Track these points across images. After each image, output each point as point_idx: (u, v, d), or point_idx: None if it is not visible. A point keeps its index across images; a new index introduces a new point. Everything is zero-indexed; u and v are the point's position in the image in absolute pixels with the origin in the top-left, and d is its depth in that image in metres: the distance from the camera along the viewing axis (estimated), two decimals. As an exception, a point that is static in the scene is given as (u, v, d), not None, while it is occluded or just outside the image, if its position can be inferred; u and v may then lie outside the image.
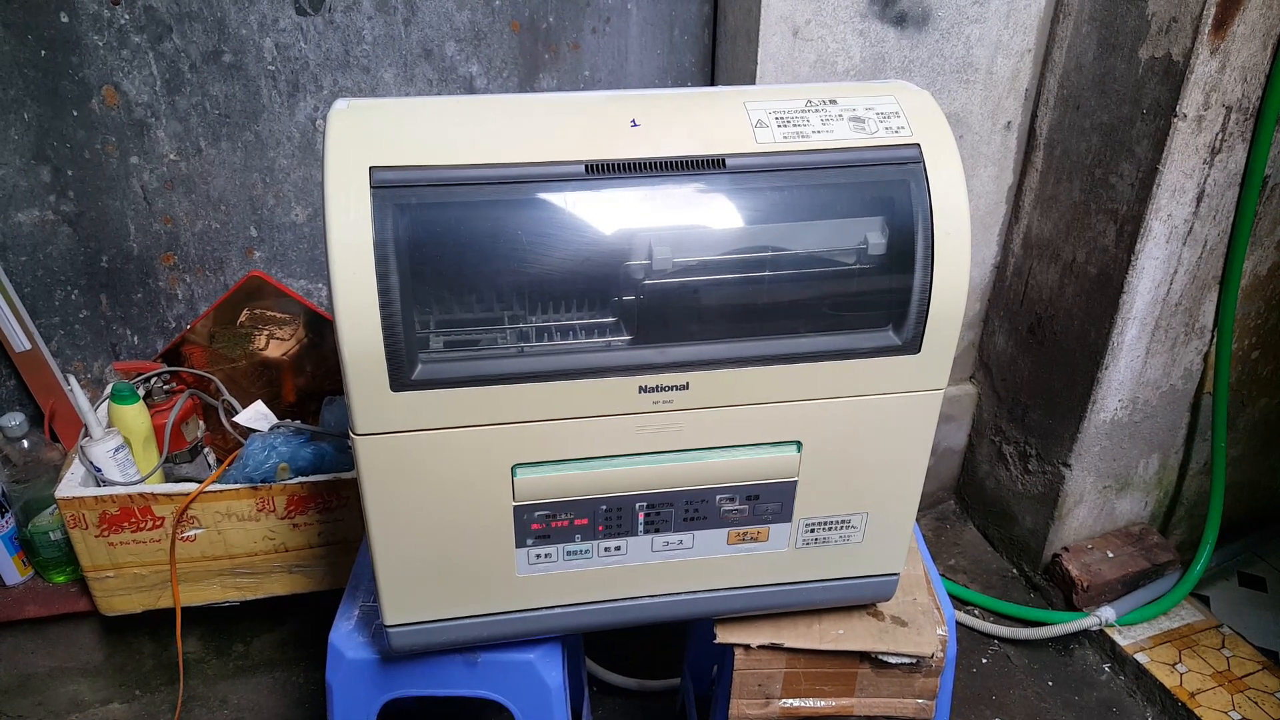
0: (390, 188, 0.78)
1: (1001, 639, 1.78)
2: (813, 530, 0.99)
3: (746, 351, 0.87)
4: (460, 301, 0.84)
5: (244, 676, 1.65)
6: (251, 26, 1.40)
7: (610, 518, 0.94)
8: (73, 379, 1.37)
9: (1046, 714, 1.63)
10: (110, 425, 1.39)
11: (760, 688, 1.06)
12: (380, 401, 0.81)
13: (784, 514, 0.97)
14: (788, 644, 1.04)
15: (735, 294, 0.87)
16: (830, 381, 0.90)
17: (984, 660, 1.74)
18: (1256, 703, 1.59)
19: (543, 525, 0.92)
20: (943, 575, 1.92)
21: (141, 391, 1.42)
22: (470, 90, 1.56)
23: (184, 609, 1.44)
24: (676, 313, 0.86)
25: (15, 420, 1.41)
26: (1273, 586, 1.92)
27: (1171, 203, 1.48)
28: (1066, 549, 1.82)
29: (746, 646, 1.04)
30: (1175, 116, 1.41)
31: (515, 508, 0.91)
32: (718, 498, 0.95)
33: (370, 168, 0.78)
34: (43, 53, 1.34)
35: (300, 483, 1.38)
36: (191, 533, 1.38)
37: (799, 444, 0.93)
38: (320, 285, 1.64)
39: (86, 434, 1.35)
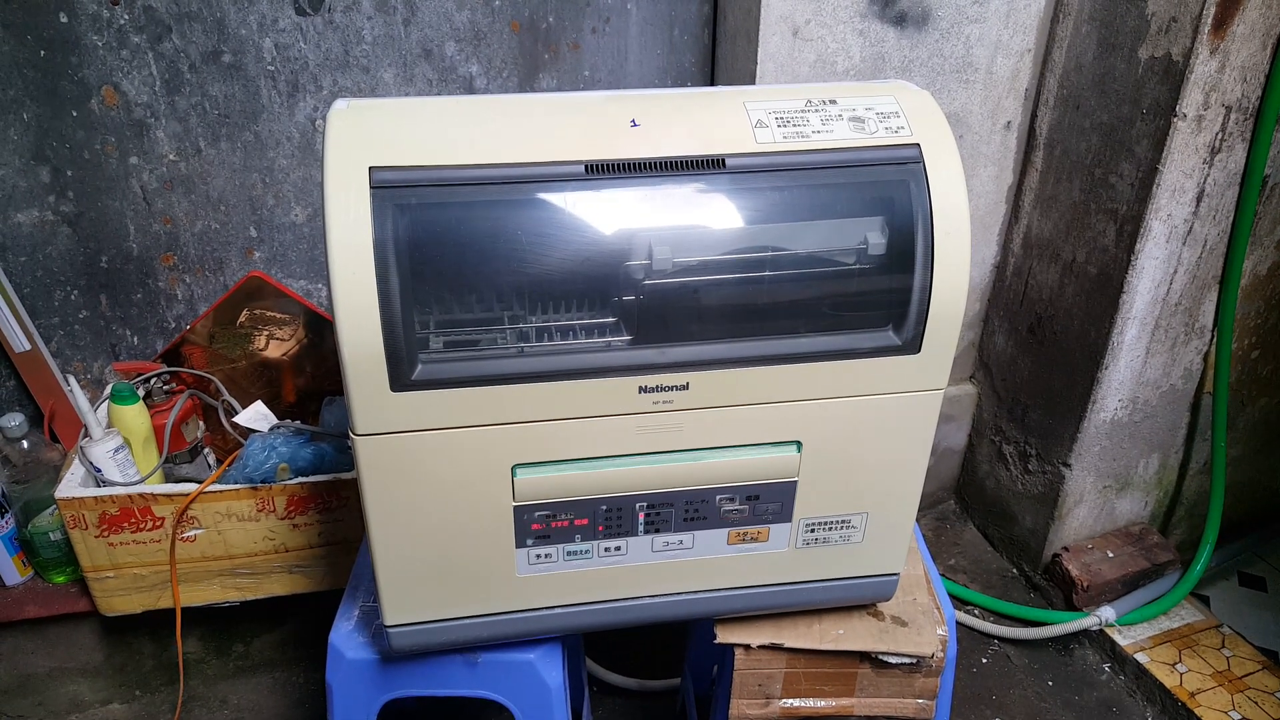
0: (390, 188, 0.78)
1: (1001, 639, 1.78)
2: (813, 530, 0.99)
3: (747, 351, 0.87)
4: (460, 302, 0.84)
5: (244, 677, 1.65)
6: (251, 26, 1.40)
7: (610, 518, 0.94)
8: (72, 379, 1.37)
9: (1046, 714, 1.63)
10: (110, 426, 1.38)
11: (760, 688, 1.06)
12: (380, 402, 0.81)
13: (784, 514, 0.97)
14: (788, 644, 1.04)
15: (735, 294, 0.87)
16: (830, 381, 0.90)
17: (984, 660, 1.74)
18: (1256, 703, 1.59)
19: (543, 525, 0.92)
20: (943, 575, 1.92)
21: (141, 392, 1.42)
22: (470, 90, 1.56)
23: (184, 609, 1.44)
24: (676, 313, 0.86)
25: (15, 421, 1.41)
26: (1273, 586, 1.92)
27: (1171, 202, 1.48)
28: (1066, 549, 1.82)
29: (747, 646, 1.04)
30: (1175, 116, 1.41)
31: (515, 508, 0.91)
32: (718, 498, 0.95)
33: (370, 168, 0.78)
34: (42, 53, 1.34)
35: (300, 483, 1.38)
36: (191, 533, 1.38)
37: (799, 444, 0.93)
38: (320, 285, 1.64)
39: (86, 434, 1.35)
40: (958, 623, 1.72)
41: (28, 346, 1.46)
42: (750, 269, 0.86)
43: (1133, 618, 1.74)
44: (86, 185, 1.44)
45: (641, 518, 0.95)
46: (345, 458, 1.40)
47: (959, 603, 1.85)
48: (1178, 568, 1.80)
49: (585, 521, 0.93)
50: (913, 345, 0.89)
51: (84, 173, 1.43)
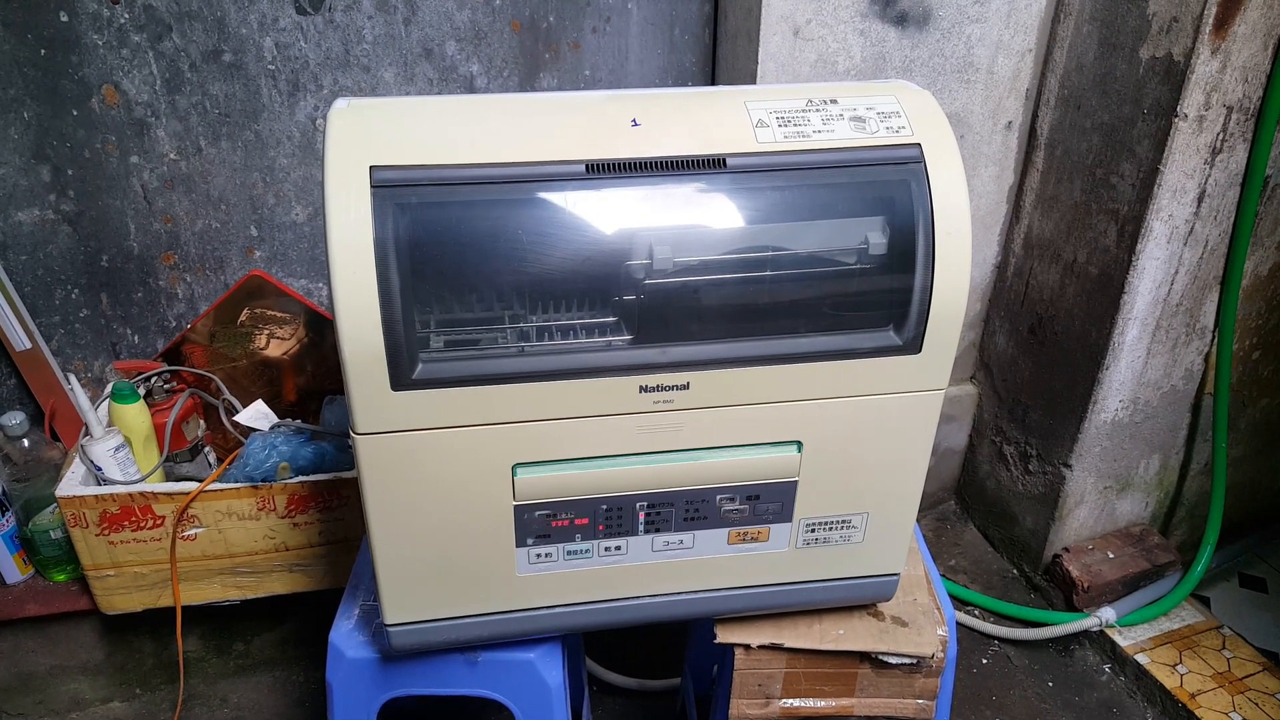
0: (390, 187, 0.78)
1: (1002, 639, 1.77)
2: (813, 530, 0.99)
3: (747, 351, 0.87)
4: (460, 301, 0.84)
5: (244, 675, 1.65)
6: (251, 26, 1.40)
7: (610, 517, 0.94)
8: (73, 378, 1.37)
9: (1047, 715, 1.63)
10: (111, 424, 1.39)
11: (760, 688, 1.06)
12: (381, 401, 0.81)
13: (784, 514, 0.97)
14: (788, 644, 1.04)
15: (736, 294, 0.87)
16: (831, 381, 0.90)
17: (984, 661, 1.74)
18: (1257, 704, 1.59)
19: (543, 525, 0.92)
20: (943, 575, 1.92)
21: (142, 390, 1.42)
22: (471, 90, 1.56)
23: (184, 608, 1.44)
24: (677, 312, 0.86)
25: (16, 419, 1.41)
26: (1273, 587, 1.92)
27: (1172, 203, 1.48)
28: (1067, 549, 1.82)
29: (747, 646, 1.04)
30: (1176, 116, 1.41)
31: (515, 507, 0.91)
32: (718, 498, 0.95)
33: (370, 167, 0.78)
34: (42, 52, 1.34)
35: (301, 482, 1.38)
36: (192, 532, 1.38)
37: (799, 444, 0.93)
38: (321, 284, 1.64)
39: (87, 433, 1.35)
40: (958, 623, 1.72)
41: (28, 345, 1.46)
42: (751, 269, 0.86)
43: (1133, 619, 1.74)
44: (87, 184, 1.44)
45: (642, 517, 0.94)
46: (346, 457, 1.40)
47: (959, 603, 1.85)
48: (1178, 569, 1.80)
49: (585, 521, 0.93)
50: (913, 345, 0.89)
51: (84, 172, 1.43)
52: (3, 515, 1.46)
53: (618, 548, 0.96)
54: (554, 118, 0.85)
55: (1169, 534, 1.92)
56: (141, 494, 1.34)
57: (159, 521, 1.37)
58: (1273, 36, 1.38)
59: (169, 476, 1.44)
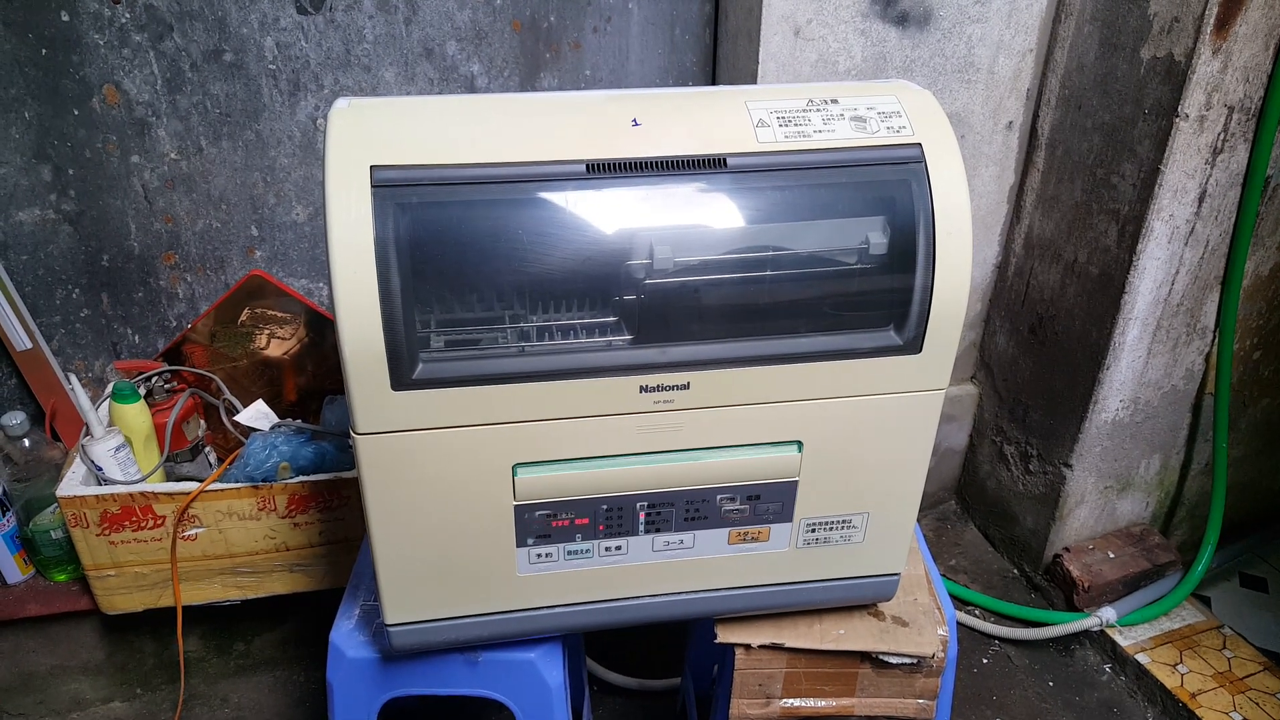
0: (391, 187, 0.78)
1: (1002, 639, 1.77)
2: (814, 530, 0.99)
3: (747, 351, 0.87)
4: (461, 301, 0.84)
5: (245, 675, 1.65)
6: (252, 25, 1.40)
7: (611, 517, 0.94)
8: (74, 378, 1.37)
9: (1047, 714, 1.63)
10: (111, 424, 1.39)
11: (761, 687, 1.06)
12: (381, 401, 0.81)
13: (785, 514, 0.97)
14: (788, 644, 1.04)
15: (736, 294, 0.87)
16: (831, 381, 0.90)
17: (985, 660, 1.74)
18: (1258, 704, 1.59)
19: (543, 525, 0.92)
20: (943, 575, 1.91)
21: (142, 390, 1.42)
22: (471, 89, 1.56)
23: (185, 608, 1.44)
24: (677, 312, 0.86)
25: (16, 419, 1.41)
26: (1274, 587, 1.92)
27: (1173, 203, 1.48)
28: (1067, 549, 1.81)
29: (747, 646, 1.04)
30: (1177, 116, 1.41)
31: (516, 507, 0.91)
32: (718, 497, 0.95)
33: (371, 167, 0.78)
34: (43, 51, 1.34)
35: (301, 482, 1.38)
36: (192, 531, 1.39)
37: (800, 444, 0.93)
38: (321, 284, 1.64)
39: (87, 433, 1.35)
40: (958, 623, 1.72)
41: (29, 345, 1.46)
42: (751, 269, 0.86)
43: (1134, 618, 1.74)
44: (88, 184, 1.44)
45: (642, 517, 0.94)
46: (346, 456, 1.40)
47: (960, 603, 1.85)
48: (1179, 568, 1.80)
49: (586, 521, 0.93)
50: (914, 345, 0.89)
51: (85, 171, 1.43)
52: (3, 515, 1.46)
53: (618, 548, 0.96)
54: (554, 117, 0.85)
55: (1169, 534, 1.92)
56: (142, 494, 1.34)
57: (159, 521, 1.37)
58: (1274, 36, 1.38)
59: (169, 476, 1.44)
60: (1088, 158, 1.59)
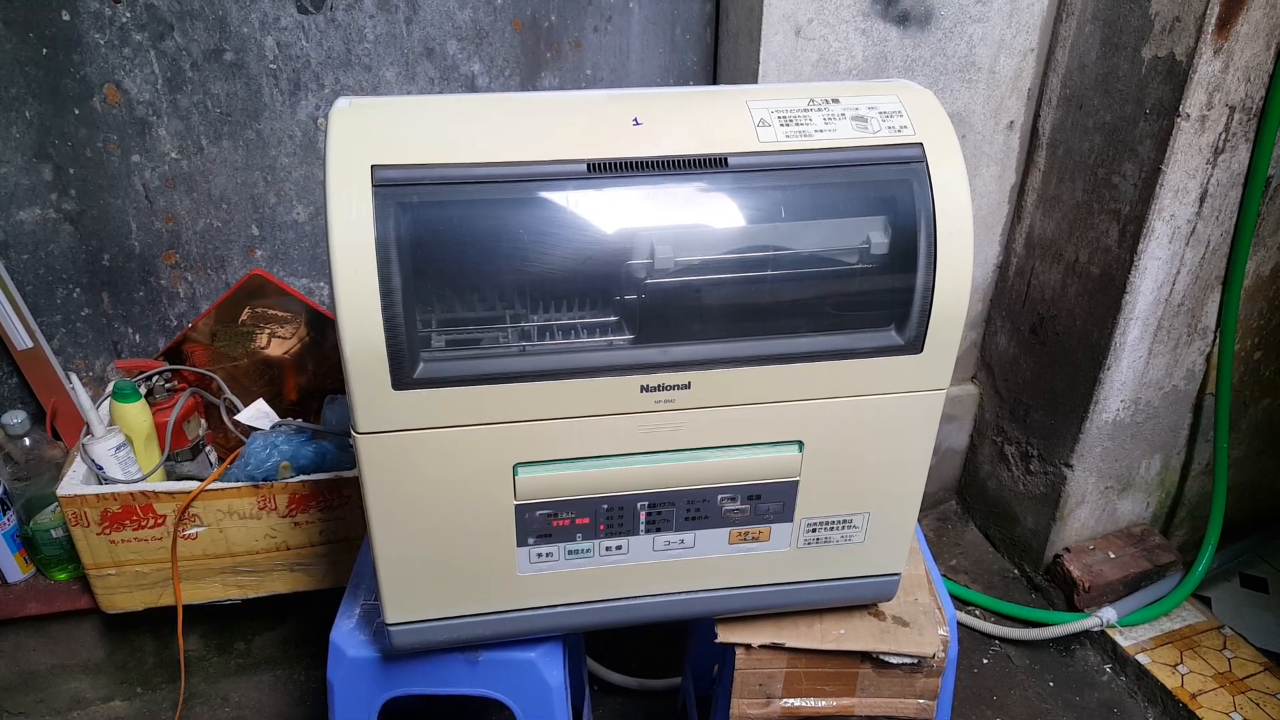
0: (392, 186, 0.78)
1: (1003, 639, 1.77)
2: (814, 530, 0.99)
3: (748, 351, 0.87)
4: (462, 300, 0.84)
5: (245, 674, 1.65)
6: (253, 25, 1.40)
7: (611, 517, 0.94)
8: (74, 377, 1.37)
9: (1047, 715, 1.63)
10: (112, 423, 1.39)
11: (761, 687, 1.06)
12: (382, 400, 0.81)
13: (785, 514, 0.97)
14: (789, 644, 1.04)
15: (737, 293, 0.87)
16: (832, 381, 0.90)
17: (985, 661, 1.74)
18: (1258, 704, 1.59)
19: (544, 524, 0.92)
20: (944, 575, 1.92)
21: (143, 390, 1.42)
22: (472, 89, 1.56)
23: (185, 607, 1.44)
24: (678, 312, 0.85)
25: (17, 418, 1.41)
26: (1274, 588, 1.92)
27: (1174, 203, 1.48)
28: (1068, 549, 1.81)
29: (748, 646, 1.04)
30: (1178, 116, 1.40)
31: (516, 507, 0.91)
32: (719, 497, 0.95)
33: (372, 166, 0.78)
34: (44, 51, 1.34)
35: (302, 481, 1.38)
36: (193, 531, 1.39)
37: (801, 444, 0.93)
38: (322, 284, 1.64)
39: (88, 432, 1.35)
40: (959, 623, 1.72)
41: (30, 344, 1.46)
42: (752, 268, 0.86)
43: (1134, 619, 1.74)
44: (88, 183, 1.44)
45: (643, 517, 0.94)
46: (347, 456, 1.40)
47: (960, 603, 1.85)
48: (1179, 569, 1.80)
49: (586, 520, 0.93)
50: (915, 345, 0.89)
51: (86, 171, 1.43)
52: (4, 514, 1.46)
53: (619, 547, 0.96)
54: (555, 117, 0.85)
55: (1170, 534, 1.91)
56: (143, 493, 1.34)
57: (160, 520, 1.37)
58: (1275, 36, 1.38)
59: (170, 475, 1.44)
60: (1089, 157, 1.59)
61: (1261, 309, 1.69)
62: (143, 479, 1.38)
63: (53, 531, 1.46)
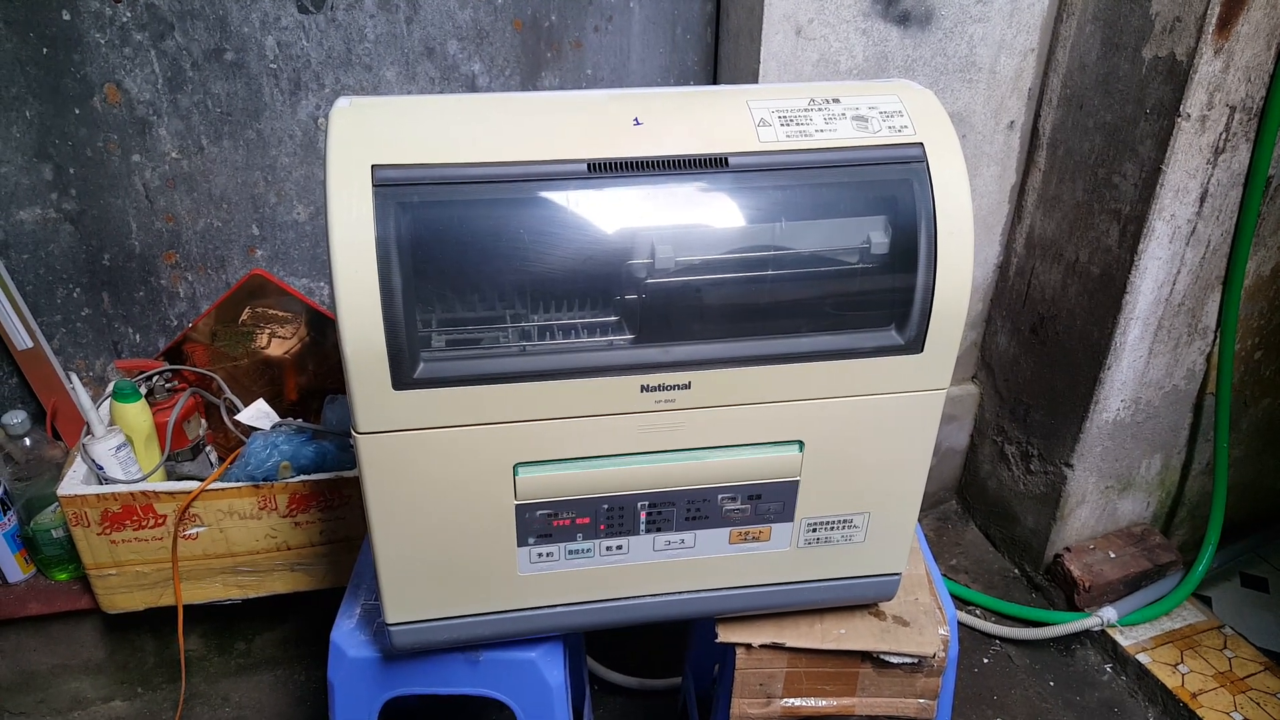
0: (392, 186, 0.78)
1: (1003, 639, 1.77)
2: (815, 530, 0.99)
3: (749, 351, 0.87)
4: (462, 300, 0.84)
5: (246, 674, 1.65)
6: (253, 24, 1.40)
7: (612, 517, 0.94)
8: (75, 377, 1.37)
9: (1048, 714, 1.63)
10: (112, 423, 1.39)
11: (762, 687, 1.06)
12: (382, 400, 0.81)
13: (786, 513, 0.97)
14: (789, 643, 1.04)
15: (738, 293, 0.87)
16: (832, 381, 0.90)
17: (985, 660, 1.74)
18: (1258, 704, 1.59)
19: (544, 524, 0.92)
20: (944, 575, 1.92)
21: (143, 390, 1.42)
22: (472, 89, 1.56)
23: (186, 607, 1.44)
24: (679, 312, 0.85)
25: (17, 418, 1.41)
26: (1275, 587, 1.92)
27: (1175, 203, 1.48)
28: (1068, 549, 1.81)
29: (748, 646, 1.04)
30: (1179, 116, 1.40)
31: (517, 506, 0.91)
32: (719, 497, 0.95)
33: (372, 166, 0.78)
34: (44, 50, 1.34)
35: (302, 481, 1.38)
36: (193, 531, 1.39)
37: (801, 443, 0.93)
38: (322, 284, 1.64)
39: (88, 432, 1.35)
40: (959, 623, 1.72)
41: (30, 344, 1.46)
42: (753, 268, 0.86)
43: (1134, 618, 1.74)
44: (89, 183, 1.44)
45: (643, 517, 0.94)
46: (347, 456, 1.40)
47: (960, 603, 1.85)
48: (1180, 568, 1.80)
49: (587, 520, 0.93)
50: (915, 345, 0.89)
51: (86, 170, 1.43)
52: (4, 514, 1.46)
53: (619, 547, 0.96)
54: (556, 117, 0.85)
55: (1170, 534, 1.91)
56: (143, 493, 1.34)
57: (160, 520, 1.37)
58: (1276, 36, 1.38)
59: (170, 475, 1.44)
60: (1089, 157, 1.59)
61: (1262, 309, 1.69)
62: (143, 479, 1.38)
63: (53, 531, 1.46)
